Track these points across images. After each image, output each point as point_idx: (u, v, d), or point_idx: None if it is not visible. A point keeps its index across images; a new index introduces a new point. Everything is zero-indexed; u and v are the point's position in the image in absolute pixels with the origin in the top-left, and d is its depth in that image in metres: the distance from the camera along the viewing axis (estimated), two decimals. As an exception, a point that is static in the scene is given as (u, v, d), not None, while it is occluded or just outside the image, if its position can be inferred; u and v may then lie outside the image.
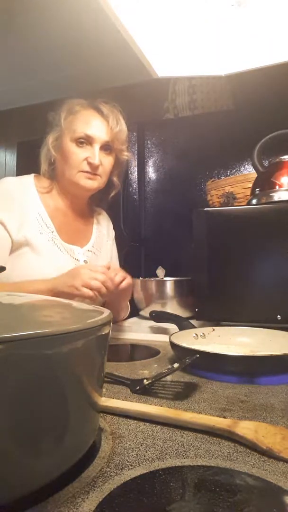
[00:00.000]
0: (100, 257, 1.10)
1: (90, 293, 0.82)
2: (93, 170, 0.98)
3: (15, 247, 0.95)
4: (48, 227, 0.98)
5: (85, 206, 1.13)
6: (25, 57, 0.98)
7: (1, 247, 0.93)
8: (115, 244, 1.23)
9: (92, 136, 0.97)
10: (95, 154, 0.97)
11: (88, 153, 0.97)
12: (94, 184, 1.00)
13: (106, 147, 1.00)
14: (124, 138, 1.03)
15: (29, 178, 1.04)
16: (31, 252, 0.95)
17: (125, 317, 1.15)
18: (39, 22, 0.84)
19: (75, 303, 0.43)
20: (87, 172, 0.98)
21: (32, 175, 1.06)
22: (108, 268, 0.89)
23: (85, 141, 0.97)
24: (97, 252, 1.10)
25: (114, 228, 1.23)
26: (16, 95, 1.12)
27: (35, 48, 0.95)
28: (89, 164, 0.97)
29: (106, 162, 1.01)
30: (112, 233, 1.22)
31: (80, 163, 0.97)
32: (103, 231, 1.16)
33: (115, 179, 1.09)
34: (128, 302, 1.16)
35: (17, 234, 0.94)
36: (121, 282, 0.90)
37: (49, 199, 1.03)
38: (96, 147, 0.97)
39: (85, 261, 1.04)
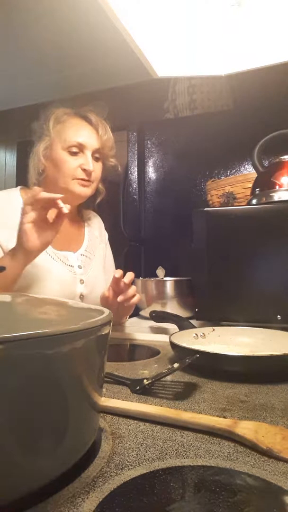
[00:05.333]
0: (94, 260, 1.10)
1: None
2: (88, 176, 0.99)
3: None
4: None
5: (75, 214, 1.14)
6: (25, 57, 0.98)
7: None
8: (109, 246, 1.23)
9: (84, 144, 0.99)
10: (89, 161, 0.99)
11: (81, 160, 0.99)
12: (88, 191, 1.02)
13: (97, 154, 1.02)
14: (112, 145, 1.06)
15: (16, 191, 1.04)
16: None
17: (125, 321, 1.14)
18: (39, 23, 0.84)
19: (72, 303, 0.43)
20: (81, 179, 0.99)
21: (19, 187, 1.06)
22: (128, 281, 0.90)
23: (77, 149, 0.99)
24: (91, 256, 1.10)
25: (110, 229, 1.23)
26: (16, 95, 1.12)
27: (36, 49, 0.95)
28: (84, 171, 0.99)
29: (97, 168, 1.03)
30: (105, 235, 1.22)
31: (75, 171, 0.98)
32: (95, 233, 1.17)
33: (100, 185, 1.11)
34: None
35: (7, 246, 0.94)
36: (132, 296, 0.91)
37: None
38: (89, 154, 0.99)
39: (79, 266, 1.04)
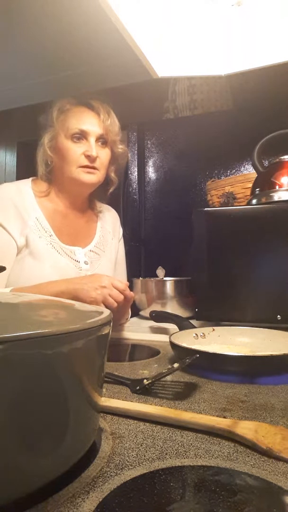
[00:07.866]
0: (104, 257, 1.09)
1: (115, 304, 0.84)
2: (92, 162, 0.99)
3: (18, 251, 0.95)
4: (46, 231, 0.98)
5: (86, 204, 1.12)
6: (25, 57, 0.98)
7: (8, 253, 0.94)
8: (122, 242, 1.22)
9: (86, 131, 0.98)
10: (92, 147, 0.98)
11: (85, 147, 0.98)
12: (94, 178, 1.01)
13: (101, 140, 1.02)
14: (117, 130, 1.05)
15: (27, 183, 1.04)
16: (30, 257, 0.95)
17: (125, 322, 1.14)
18: (39, 22, 0.84)
19: (75, 303, 0.43)
20: (85, 166, 0.99)
21: (30, 179, 1.06)
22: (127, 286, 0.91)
23: (80, 136, 0.99)
24: (100, 252, 1.09)
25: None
26: (16, 95, 1.12)
27: (35, 48, 0.95)
28: (87, 157, 0.98)
29: (103, 154, 1.02)
30: (119, 230, 1.21)
31: (78, 158, 0.98)
32: (107, 228, 1.15)
33: (112, 174, 1.10)
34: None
35: (19, 239, 0.95)
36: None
37: (47, 202, 1.03)
38: (92, 140, 0.99)
39: (86, 262, 1.03)
